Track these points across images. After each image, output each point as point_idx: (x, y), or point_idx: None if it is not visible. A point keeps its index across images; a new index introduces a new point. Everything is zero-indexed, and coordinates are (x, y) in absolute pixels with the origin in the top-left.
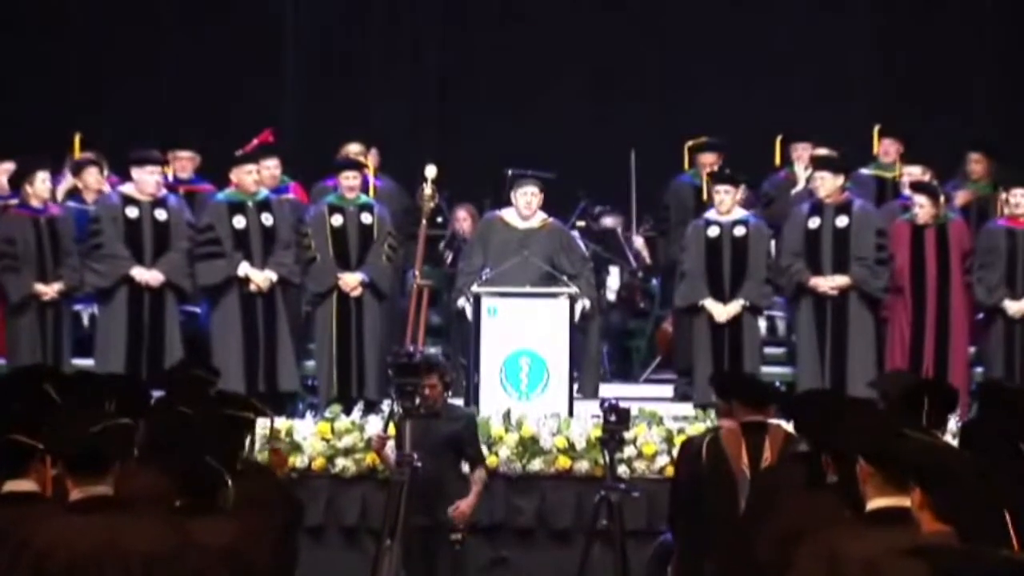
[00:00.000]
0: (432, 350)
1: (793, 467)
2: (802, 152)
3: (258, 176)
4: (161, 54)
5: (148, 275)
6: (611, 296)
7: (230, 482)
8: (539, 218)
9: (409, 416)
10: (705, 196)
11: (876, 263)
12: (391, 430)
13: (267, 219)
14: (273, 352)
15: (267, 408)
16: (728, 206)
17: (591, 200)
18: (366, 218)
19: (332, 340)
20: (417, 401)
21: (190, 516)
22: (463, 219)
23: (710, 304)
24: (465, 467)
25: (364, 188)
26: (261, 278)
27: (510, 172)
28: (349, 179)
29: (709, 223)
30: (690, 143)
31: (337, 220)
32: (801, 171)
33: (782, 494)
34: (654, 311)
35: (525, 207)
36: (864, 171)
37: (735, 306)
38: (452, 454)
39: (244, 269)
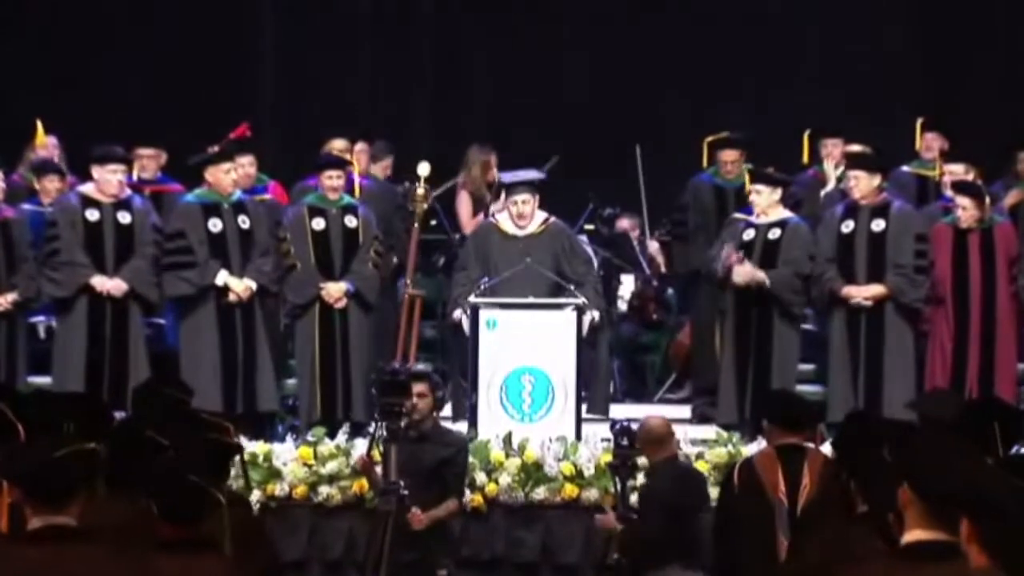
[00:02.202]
0: (422, 366)
1: (831, 496)
2: (832, 149)
3: (235, 175)
4: (122, 40)
5: (110, 284)
6: (622, 306)
7: (223, 500)
8: (538, 220)
9: (395, 439)
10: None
11: (915, 271)
12: (376, 455)
13: (244, 222)
14: (251, 369)
15: (239, 432)
16: (763, 207)
17: (601, 201)
18: (350, 221)
19: (315, 356)
20: (404, 423)
21: (171, 552)
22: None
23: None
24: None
25: (349, 188)
26: (241, 287)
27: (498, 177)
28: (332, 178)
29: (748, 225)
30: (710, 139)
31: (319, 224)
32: (831, 170)
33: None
34: (670, 322)
35: (518, 217)
36: (905, 168)
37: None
38: (442, 482)
39: (223, 278)
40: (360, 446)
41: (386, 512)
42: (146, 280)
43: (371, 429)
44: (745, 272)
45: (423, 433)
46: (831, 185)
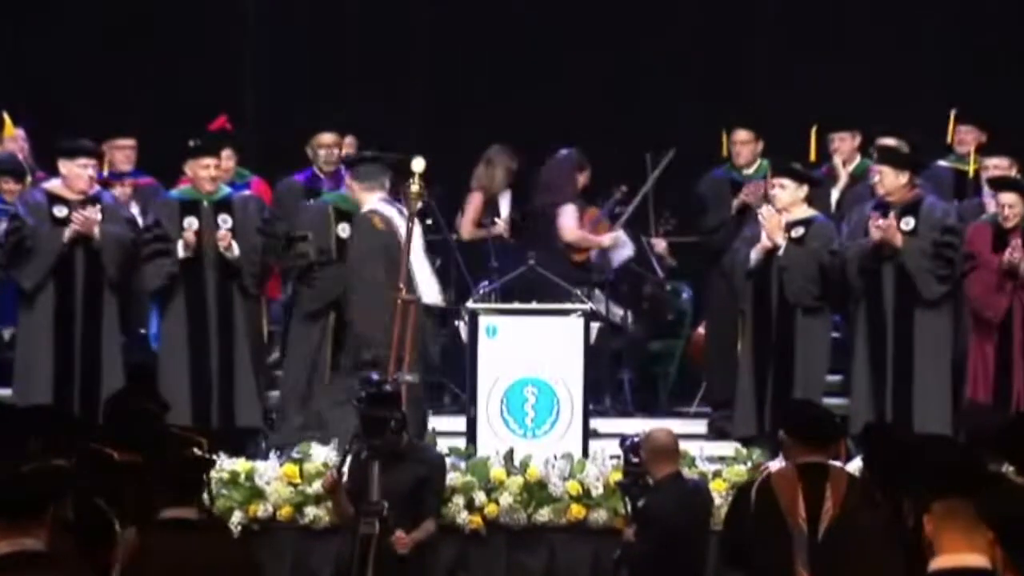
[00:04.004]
0: (409, 377)
1: (860, 522)
2: (840, 144)
3: (216, 172)
4: (91, 22)
5: (85, 213)
6: (618, 312)
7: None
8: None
9: (378, 456)
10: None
11: (934, 258)
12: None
13: (225, 221)
14: (228, 379)
15: (214, 447)
16: (786, 203)
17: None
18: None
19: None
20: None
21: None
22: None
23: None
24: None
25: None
26: (221, 232)
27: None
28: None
29: None
30: (727, 127)
31: (344, 229)
32: (841, 166)
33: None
34: (685, 329)
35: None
36: (942, 163)
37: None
38: (419, 503)
39: (182, 249)
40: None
41: (368, 535)
42: (112, 256)
43: (346, 444)
44: (772, 218)
45: (396, 451)
46: (842, 182)
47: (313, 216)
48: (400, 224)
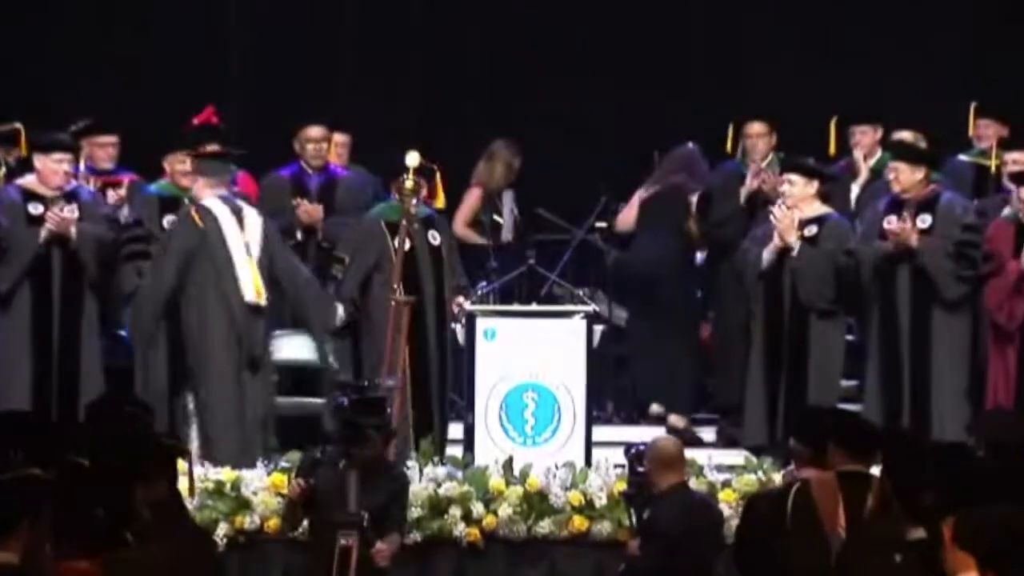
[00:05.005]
0: (391, 382)
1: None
2: (861, 137)
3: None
4: (66, 10)
5: (61, 213)
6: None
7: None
8: None
9: (355, 465)
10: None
11: (956, 258)
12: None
13: None
14: None
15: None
16: (796, 200)
17: (612, 196)
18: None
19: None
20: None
21: None
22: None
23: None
24: None
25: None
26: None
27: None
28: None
29: None
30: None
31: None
32: (862, 160)
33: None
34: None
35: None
36: (963, 158)
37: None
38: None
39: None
40: None
41: (347, 548)
42: (89, 250)
43: (316, 451)
44: (784, 217)
45: (368, 462)
46: (863, 177)
47: (364, 234)
48: (228, 222)
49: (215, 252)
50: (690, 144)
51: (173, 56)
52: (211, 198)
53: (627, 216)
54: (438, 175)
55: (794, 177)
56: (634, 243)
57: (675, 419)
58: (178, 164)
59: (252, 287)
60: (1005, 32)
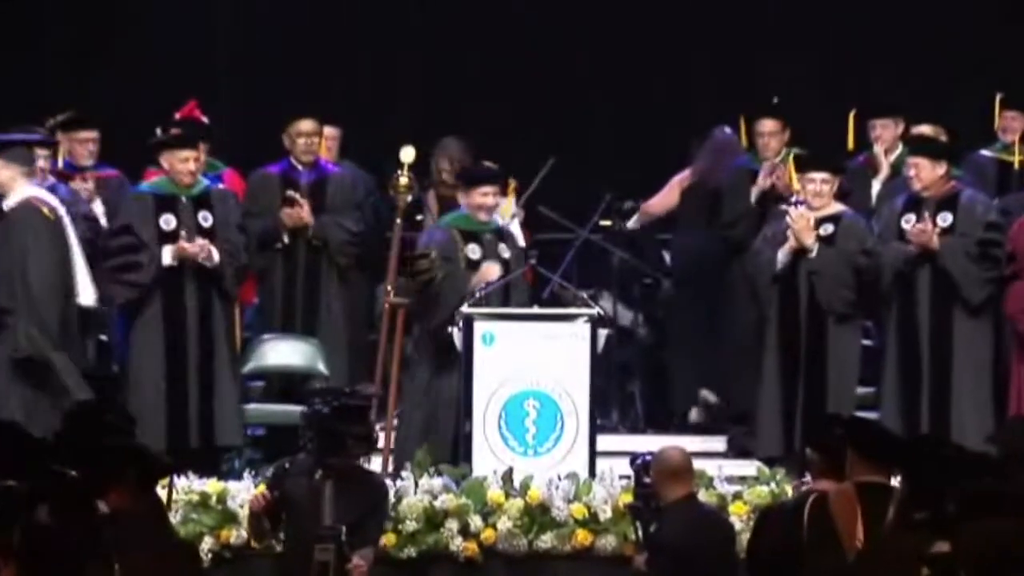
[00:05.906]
0: (371, 388)
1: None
2: (882, 131)
3: (196, 165)
4: (55, 6)
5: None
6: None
7: None
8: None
9: (330, 476)
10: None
11: (979, 259)
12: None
13: (206, 219)
14: (208, 393)
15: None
16: (824, 200)
17: (616, 195)
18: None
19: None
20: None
21: None
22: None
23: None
24: None
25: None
26: (197, 247)
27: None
28: (487, 195)
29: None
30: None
31: (474, 251)
32: (882, 155)
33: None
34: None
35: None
36: (985, 152)
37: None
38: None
39: (169, 255)
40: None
41: (324, 563)
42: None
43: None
44: (800, 218)
45: (343, 473)
46: (884, 173)
47: (440, 244)
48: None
49: (63, 249)
50: (727, 129)
51: (169, 55)
52: (35, 189)
53: (664, 200)
54: (512, 185)
55: (818, 176)
56: (680, 230)
57: (706, 393)
58: (179, 163)
59: (91, 288)
60: None
